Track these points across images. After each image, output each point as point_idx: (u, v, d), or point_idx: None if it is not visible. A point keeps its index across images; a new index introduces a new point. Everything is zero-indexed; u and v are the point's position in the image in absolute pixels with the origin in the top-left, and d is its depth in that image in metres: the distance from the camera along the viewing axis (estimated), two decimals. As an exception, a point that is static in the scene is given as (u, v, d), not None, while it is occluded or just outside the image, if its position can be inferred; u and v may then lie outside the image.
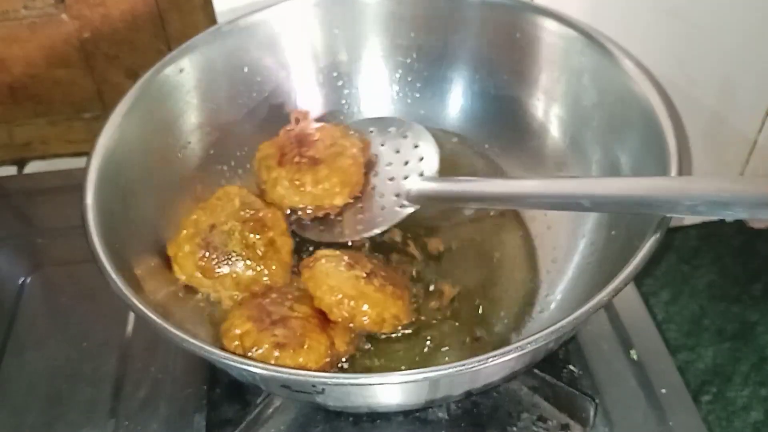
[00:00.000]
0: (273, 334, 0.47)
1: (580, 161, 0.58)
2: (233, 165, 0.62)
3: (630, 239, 0.46)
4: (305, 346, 0.47)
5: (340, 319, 0.49)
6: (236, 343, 0.47)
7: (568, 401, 0.52)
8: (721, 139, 0.82)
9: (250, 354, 0.46)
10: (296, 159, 0.56)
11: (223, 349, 0.46)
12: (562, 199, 0.46)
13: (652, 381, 0.54)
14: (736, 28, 0.72)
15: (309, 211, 0.57)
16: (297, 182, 0.55)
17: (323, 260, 0.52)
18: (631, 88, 0.52)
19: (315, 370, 0.46)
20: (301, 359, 0.46)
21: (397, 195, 0.56)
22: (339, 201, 0.56)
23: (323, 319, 0.49)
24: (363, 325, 0.50)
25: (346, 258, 0.52)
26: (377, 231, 0.56)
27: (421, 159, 0.58)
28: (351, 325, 0.50)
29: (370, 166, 0.59)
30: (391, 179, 0.58)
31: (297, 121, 0.60)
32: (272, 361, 0.46)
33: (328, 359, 0.48)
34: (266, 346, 0.46)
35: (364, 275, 0.50)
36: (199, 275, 0.52)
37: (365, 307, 0.49)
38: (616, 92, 0.54)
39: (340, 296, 0.49)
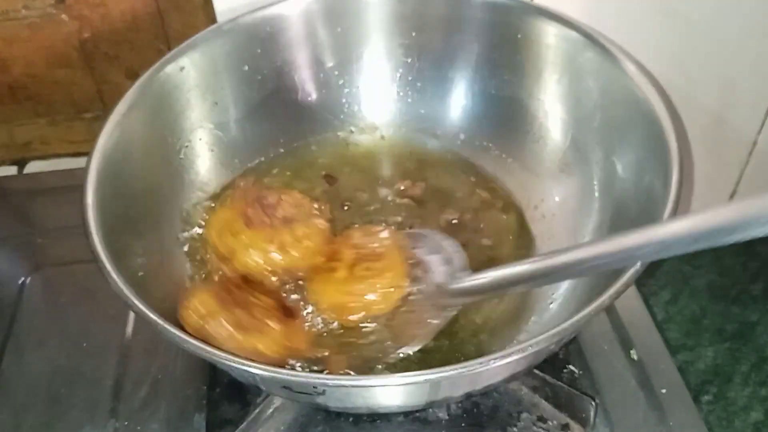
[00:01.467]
0: (233, 314, 0.46)
1: (581, 162, 0.58)
2: (236, 163, 0.62)
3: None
4: (262, 332, 0.46)
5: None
6: (195, 317, 0.46)
7: (568, 401, 0.52)
8: (721, 140, 0.82)
9: (207, 327, 0.45)
10: (265, 220, 0.51)
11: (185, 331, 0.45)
12: (576, 267, 0.41)
13: (652, 381, 0.54)
14: (737, 28, 0.72)
15: (276, 278, 0.52)
16: (273, 244, 0.50)
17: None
18: (632, 90, 0.52)
19: (270, 361, 0.45)
20: (259, 345, 0.45)
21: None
22: (318, 260, 0.52)
23: (286, 313, 0.49)
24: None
25: None
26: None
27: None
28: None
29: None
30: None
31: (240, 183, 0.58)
32: (228, 340, 0.45)
33: (285, 352, 0.47)
34: (225, 323, 0.45)
35: None
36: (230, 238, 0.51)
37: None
38: (618, 93, 0.54)
39: None
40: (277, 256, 0.50)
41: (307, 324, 0.51)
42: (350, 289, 0.50)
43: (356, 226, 0.56)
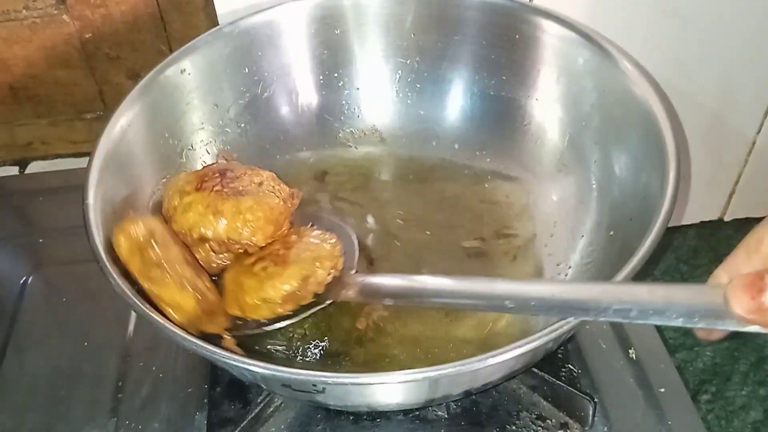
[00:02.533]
0: (177, 253, 0.46)
1: (578, 162, 0.58)
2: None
3: (628, 241, 0.46)
4: (181, 292, 0.45)
5: None
6: (140, 236, 0.45)
7: (567, 400, 0.52)
8: (720, 140, 0.82)
9: (148, 251, 0.45)
10: (217, 188, 0.50)
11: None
12: (486, 300, 0.43)
13: (651, 380, 0.54)
14: (735, 28, 0.72)
15: (218, 247, 0.50)
16: (214, 209, 0.49)
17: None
18: (630, 90, 0.52)
19: (178, 322, 0.45)
20: (179, 299, 0.45)
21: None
22: (259, 239, 0.49)
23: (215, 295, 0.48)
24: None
25: None
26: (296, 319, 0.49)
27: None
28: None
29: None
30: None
31: (221, 160, 0.57)
32: (159, 278, 0.45)
33: (196, 318, 0.46)
34: (170, 253, 0.45)
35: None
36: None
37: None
38: (615, 93, 0.54)
39: None
40: (213, 222, 0.49)
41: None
42: (240, 281, 0.48)
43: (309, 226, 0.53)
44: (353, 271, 0.50)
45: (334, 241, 0.50)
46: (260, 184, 0.52)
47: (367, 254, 0.58)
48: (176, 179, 0.52)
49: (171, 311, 0.45)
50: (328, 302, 0.48)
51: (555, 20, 0.57)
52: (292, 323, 0.48)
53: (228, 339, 0.47)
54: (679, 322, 0.35)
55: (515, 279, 0.43)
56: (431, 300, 0.45)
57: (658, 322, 0.36)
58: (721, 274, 0.36)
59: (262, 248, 0.50)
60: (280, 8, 0.61)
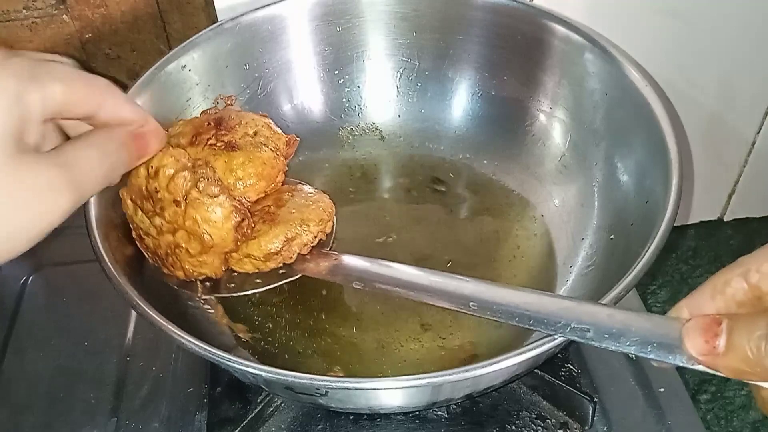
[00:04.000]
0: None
1: (580, 164, 0.58)
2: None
3: (630, 245, 0.46)
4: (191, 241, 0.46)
5: None
6: (173, 162, 0.45)
7: (566, 400, 0.52)
8: (720, 140, 0.82)
9: (174, 181, 0.44)
10: (211, 141, 0.50)
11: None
12: (453, 299, 0.44)
13: (651, 380, 0.54)
14: (736, 29, 0.72)
15: None
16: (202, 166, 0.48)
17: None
18: (633, 92, 0.52)
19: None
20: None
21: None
22: (251, 195, 0.50)
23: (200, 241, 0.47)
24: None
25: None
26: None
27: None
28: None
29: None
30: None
31: (219, 104, 0.57)
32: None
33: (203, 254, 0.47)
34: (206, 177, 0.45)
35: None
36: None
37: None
38: (618, 96, 0.54)
39: None
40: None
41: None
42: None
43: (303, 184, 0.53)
44: (327, 248, 0.50)
45: (324, 203, 0.51)
46: (255, 134, 0.51)
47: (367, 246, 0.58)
48: (173, 129, 0.52)
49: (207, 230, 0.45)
50: (297, 276, 0.49)
51: (558, 22, 0.57)
52: (262, 291, 0.49)
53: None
54: (631, 350, 0.36)
55: (486, 281, 0.44)
56: (400, 290, 0.46)
57: (612, 347, 0.36)
58: (683, 309, 0.36)
59: (254, 202, 0.50)
60: (281, 4, 0.60)
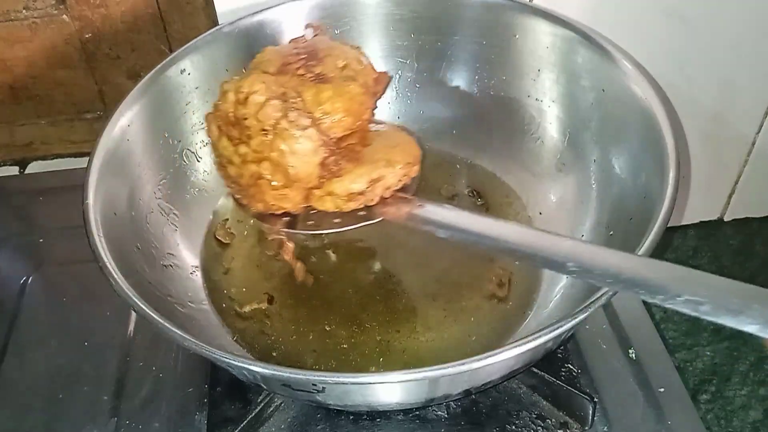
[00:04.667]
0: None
1: (578, 161, 0.58)
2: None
3: (628, 240, 0.46)
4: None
5: None
6: (262, 88, 0.43)
7: (566, 400, 0.52)
8: (720, 140, 0.82)
9: (267, 107, 0.42)
10: (299, 71, 0.47)
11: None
12: (544, 258, 0.41)
13: (651, 380, 0.54)
14: (735, 28, 0.72)
15: None
16: (293, 96, 0.47)
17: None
18: (630, 89, 0.52)
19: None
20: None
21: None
22: (337, 130, 0.47)
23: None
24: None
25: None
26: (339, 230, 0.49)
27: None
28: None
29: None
30: None
31: (310, 33, 0.54)
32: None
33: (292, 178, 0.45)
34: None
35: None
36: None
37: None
38: (615, 93, 0.54)
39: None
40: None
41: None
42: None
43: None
44: (410, 194, 0.48)
45: (411, 146, 0.49)
46: (344, 67, 0.49)
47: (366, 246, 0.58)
48: (262, 55, 0.50)
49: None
50: (377, 219, 0.47)
51: (554, 20, 0.57)
52: (340, 232, 0.47)
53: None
54: (752, 329, 0.33)
55: (585, 242, 0.41)
56: (485, 244, 0.43)
57: (730, 324, 0.33)
58: None
59: (339, 139, 0.48)
60: (280, 8, 0.61)
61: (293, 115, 0.43)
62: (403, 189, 0.49)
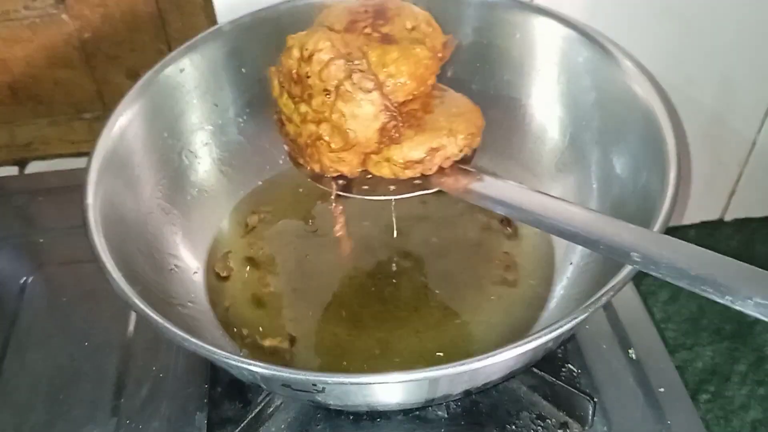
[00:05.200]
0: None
1: (579, 161, 0.58)
2: (236, 164, 0.62)
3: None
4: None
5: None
6: (330, 48, 0.42)
7: (566, 400, 0.52)
8: (720, 139, 0.82)
9: (333, 65, 0.41)
10: (366, 30, 0.46)
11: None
12: (607, 246, 0.40)
13: (651, 380, 0.54)
14: (735, 27, 0.72)
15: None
16: (359, 57, 0.45)
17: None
18: (631, 89, 0.52)
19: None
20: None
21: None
22: (400, 96, 0.46)
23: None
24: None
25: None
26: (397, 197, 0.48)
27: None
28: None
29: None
30: None
31: None
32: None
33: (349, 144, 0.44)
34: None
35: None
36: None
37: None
38: (616, 92, 0.54)
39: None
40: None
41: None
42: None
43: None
44: (469, 165, 0.48)
45: (475, 115, 0.48)
46: (413, 29, 0.48)
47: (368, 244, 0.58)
48: (328, 12, 0.49)
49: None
50: (434, 189, 0.47)
51: (555, 19, 0.57)
52: (395, 199, 0.47)
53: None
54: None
55: (651, 231, 0.39)
56: (545, 226, 0.42)
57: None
58: None
59: (401, 104, 0.47)
60: (279, 7, 0.61)
61: (357, 77, 0.42)
62: (463, 160, 0.47)
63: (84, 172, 0.49)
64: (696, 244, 0.38)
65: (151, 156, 0.56)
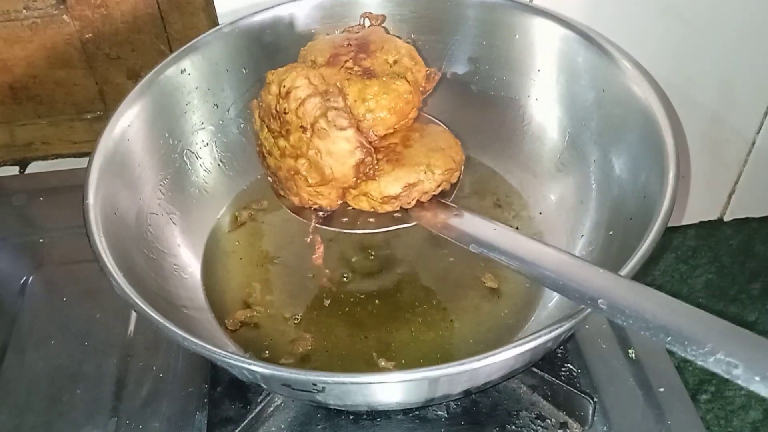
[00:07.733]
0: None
1: (578, 161, 0.58)
2: (236, 165, 0.62)
3: (628, 240, 0.46)
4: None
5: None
6: (310, 83, 0.43)
7: (566, 400, 0.52)
8: (720, 140, 0.82)
9: (316, 97, 0.42)
10: (348, 64, 0.47)
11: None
12: (576, 292, 0.39)
13: (651, 380, 0.54)
14: (735, 28, 0.72)
15: None
16: (335, 94, 0.46)
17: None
18: (630, 89, 0.52)
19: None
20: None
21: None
22: (379, 130, 0.47)
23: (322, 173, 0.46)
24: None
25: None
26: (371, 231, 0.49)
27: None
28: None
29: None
30: None
31: (364, 24, 0.53)
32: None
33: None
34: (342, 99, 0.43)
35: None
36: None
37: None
38: (615, 93, 0.54)
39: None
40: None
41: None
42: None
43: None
44: (449, 199, 0.48)
45: (454, 150, 0.48)
46: (394, 63, 0.49)
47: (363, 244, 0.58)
48: (312, 44, 0.49)
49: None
50: (412, 224, 0.47)
51: (554, 20, 0.58)
52: (374, 233, 0.47)
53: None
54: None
55: (622, 277, 0.38)
56: (517, 268, 0.42)
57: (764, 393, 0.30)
58: None
59: (381, 137, 0.48)
60: (280, 8, 0.61)
61: (332, 115, 0.43)
62: (442, 194, 0.48)
63: (85, 172, 0.49)
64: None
65: (151, 156, 0.56)
